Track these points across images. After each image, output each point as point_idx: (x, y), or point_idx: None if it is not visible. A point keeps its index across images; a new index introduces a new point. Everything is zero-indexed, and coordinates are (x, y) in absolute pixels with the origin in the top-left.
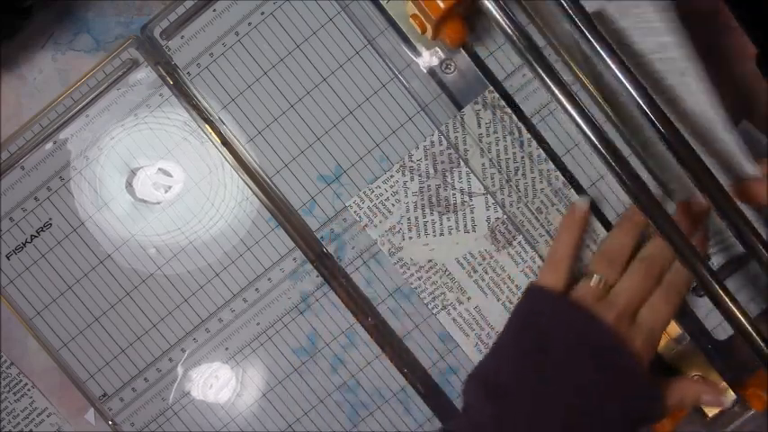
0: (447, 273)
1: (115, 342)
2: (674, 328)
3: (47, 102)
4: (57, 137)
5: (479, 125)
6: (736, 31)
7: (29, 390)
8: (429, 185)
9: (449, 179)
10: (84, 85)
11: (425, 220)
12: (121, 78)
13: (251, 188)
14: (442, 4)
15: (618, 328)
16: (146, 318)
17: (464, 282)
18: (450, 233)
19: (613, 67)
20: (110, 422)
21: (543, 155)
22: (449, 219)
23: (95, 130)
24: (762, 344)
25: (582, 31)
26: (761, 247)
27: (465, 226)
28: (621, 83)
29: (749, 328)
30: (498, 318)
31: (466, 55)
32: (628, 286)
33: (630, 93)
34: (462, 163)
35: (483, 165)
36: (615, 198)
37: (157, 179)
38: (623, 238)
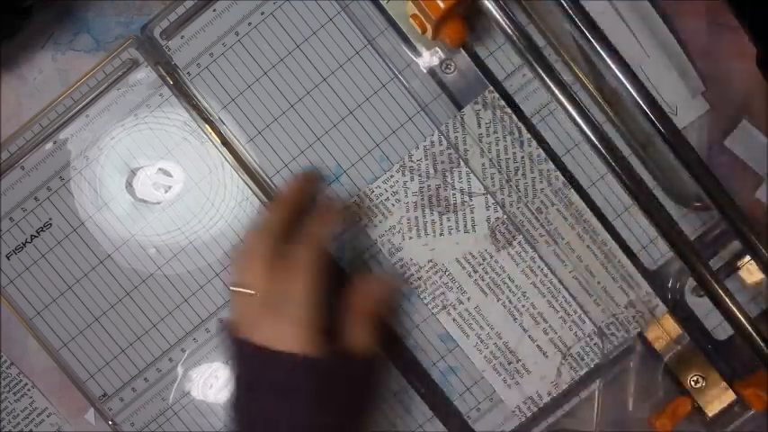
0: (447, 273)
1: (115, 342)
2: (674, 328)
3: (47, 102)
4: (57, 137)
5: (479, 125)
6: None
7: (29, 390)
8: (429, 185)
9: (449, 179)
10: (84, 85)
11: (425, 220)
12: (121, 78)
13: (251, 188)
14: (441, 4)
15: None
16: (146, 318)
17: (464, 282)
18: (450, 233)
19: (613, 67)
20: (110, 422)
21: (543, 155)
22: (449, 219)
23: (95, 130)
24: (762, 344)
25: (582, 31)
26: (761, 247)
27: (465, 226)
28: (621, 83)
29: (749, 328)
30: (498, 318)
31: (466, 55)
32: (250, 281)
33: (630, 93)
34: (462, 163)
35: (483, 165)
36: (615, 198)
37: (157, 179)
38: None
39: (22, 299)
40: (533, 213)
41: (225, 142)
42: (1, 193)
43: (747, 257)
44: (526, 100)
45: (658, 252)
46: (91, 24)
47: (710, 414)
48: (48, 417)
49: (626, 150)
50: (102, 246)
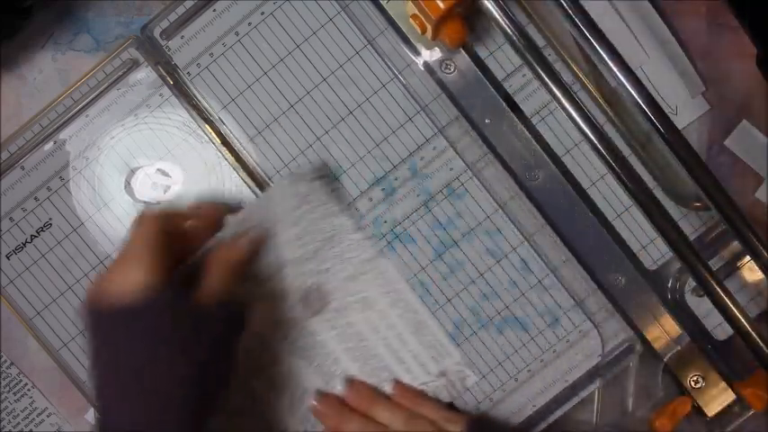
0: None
1: None
2: (673, 329)
3: (47, 102)
4: (57, 137)
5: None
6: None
7: (29, 390)
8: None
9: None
10: (84, 85)
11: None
12: (121, 78)
13: (251, 188)
14: (441, 5)
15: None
16: None
17: (277, 347)
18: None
19: (613, 67)
20: None
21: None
22: (262, 286)
23: (95, 130)
24: (761, 344)
25: (582, 31)
26: (761, 248)
27: (279, 293)
28: (621, 83)
29: (749, 329)
30: (311, 383)
31: (466, 55)
32: None
33: (630, 93)
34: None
35: (291, 236)
36: (615, 198)
37: (157, 179)
38: None
39: (22, 299)
40: (345, 281)
41: (225, 142)
42: (1, 193)
43: (747, 257)
44: (526, 100)
45: (658, 252)
46: (91, 24)
47: (710, 414)
48: (48, 417)
49: (626, 150)
50: (102, 246)
